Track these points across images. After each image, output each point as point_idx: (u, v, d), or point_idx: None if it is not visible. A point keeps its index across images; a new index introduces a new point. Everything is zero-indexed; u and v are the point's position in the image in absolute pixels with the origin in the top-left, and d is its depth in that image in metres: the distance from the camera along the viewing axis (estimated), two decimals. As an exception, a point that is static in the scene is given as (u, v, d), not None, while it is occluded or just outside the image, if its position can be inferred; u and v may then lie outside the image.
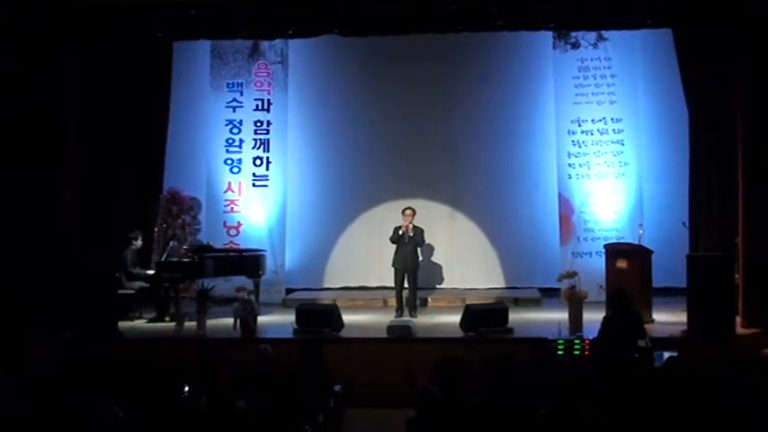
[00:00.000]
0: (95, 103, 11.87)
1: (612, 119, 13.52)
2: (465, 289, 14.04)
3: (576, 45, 13.49)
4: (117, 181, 12.54)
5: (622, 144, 13.51)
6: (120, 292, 12.15)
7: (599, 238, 13.24)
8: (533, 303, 13.21)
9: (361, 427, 9.03)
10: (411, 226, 12.36)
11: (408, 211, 12.44)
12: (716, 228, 12.06)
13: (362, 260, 14.37)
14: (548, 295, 13.26)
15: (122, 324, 11.62)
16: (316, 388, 8.14)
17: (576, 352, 9.86)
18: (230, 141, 14.13)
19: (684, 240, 12.32)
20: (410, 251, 12.41)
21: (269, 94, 14.14)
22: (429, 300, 13.49)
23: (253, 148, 14.11)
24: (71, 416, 6.82)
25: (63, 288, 11.07)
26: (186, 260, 12.42)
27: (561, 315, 11.19)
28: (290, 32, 12.24)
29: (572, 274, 11.32)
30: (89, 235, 11.25)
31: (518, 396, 6.98)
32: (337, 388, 8.78)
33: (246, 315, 11.04)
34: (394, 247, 12.46)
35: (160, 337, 11.25)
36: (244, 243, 13.83)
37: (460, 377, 7.14)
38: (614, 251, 11.78)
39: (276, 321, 12.17)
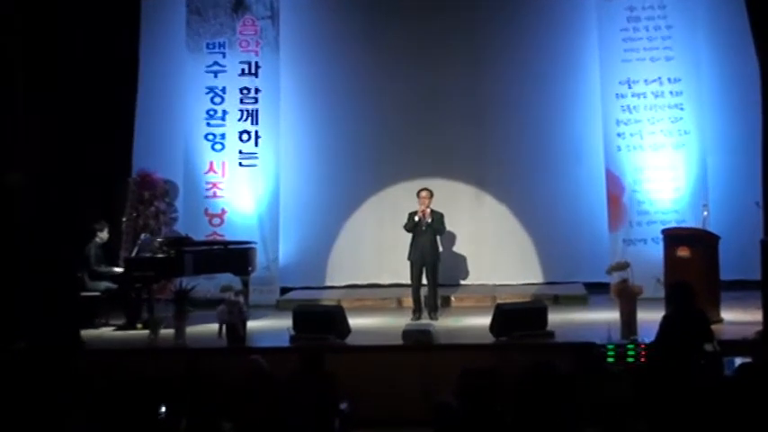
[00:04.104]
0: (49, 66, 11.80)
1: (669, 79, 13.53)
2: (495, 285, 14.10)
3: (623, -9, 13.48)
4: (76, 162, 12.48)
5: (681, 109, 13.49)
6: (83, 294, 12.20)
7: (655, 222, 13.27)
8: (577, 301, 13.23)
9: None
10: (429, 210, 12.32)
11: (424, 193, 12.40)
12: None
13: (372, 253, 14.44)
14: (594, 291, 13.32)
15: (86, 332, 11.63)
16: (317, 406, 8.14)
17: (630, 359, 9.85)
18: (212, 113, 14.17)
19: (757, 223, 12.18)
20: (428, 241, 12.38)
21: (257, 55, 14.18)
22: (452, 299, 13.54)
23: (239, 120, 14.16)
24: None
25: (14, 290, 11.06)
26: (161, 255, 12.44)
27: (611, 315, 11.16)
28: (281, -20, 12.22)
29: (624, 266, 11.30)
30: (43, 226, 11.23)
31: (560, 413, 6.95)
32: (343, 406, 8.77)
33: (234, 320, 11.05)
34: (409, 236, 12.43)
35: (131, 347, 11.29)
36: (229, 234, 13.90)
37: (491, 391, 7.11)
38: (674, 237, 11.74)
39: (270, 327, 12.21)
